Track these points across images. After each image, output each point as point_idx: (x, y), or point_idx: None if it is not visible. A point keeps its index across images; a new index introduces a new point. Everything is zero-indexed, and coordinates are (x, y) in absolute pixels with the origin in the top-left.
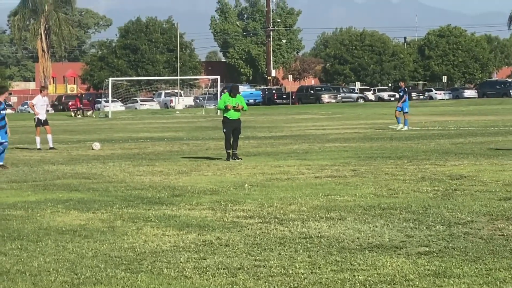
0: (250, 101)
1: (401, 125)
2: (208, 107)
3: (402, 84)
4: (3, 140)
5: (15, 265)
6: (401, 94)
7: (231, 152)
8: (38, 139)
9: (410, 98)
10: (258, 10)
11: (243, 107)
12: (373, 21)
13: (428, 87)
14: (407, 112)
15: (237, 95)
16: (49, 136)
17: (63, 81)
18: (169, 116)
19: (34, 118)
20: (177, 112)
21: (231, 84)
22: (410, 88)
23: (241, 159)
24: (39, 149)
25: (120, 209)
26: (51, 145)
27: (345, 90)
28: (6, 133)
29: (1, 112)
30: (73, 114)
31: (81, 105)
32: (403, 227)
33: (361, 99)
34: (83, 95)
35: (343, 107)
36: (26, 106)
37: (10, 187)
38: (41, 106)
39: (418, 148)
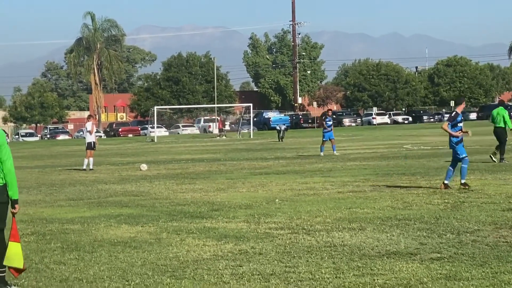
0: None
1: (322, 153)
2: (243, 131)
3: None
4: (463, 155)
5: (73, 273)
6: (329, 122)
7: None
8: (86, 161)
9: (421, 121)
10: (285, 44)
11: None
12: (388, 53)
13: (437, 111)
14: (325, 140)
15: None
16: (91, 160)
17: (113, 110)
18: (207, 140)
19: (86, 143)
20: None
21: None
22: (421, 112)
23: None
24: (84, 169)
25: (165, 223)
26: (91, 166)
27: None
28: (463, 146)
29: (459, 125)
30: (217, 136)
31: (223, 127)
32: (417, 235)
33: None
34: (225, 118)
35: (362, 129)
36: (81, 133)
37: (68, 204)
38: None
39: (429, 165)
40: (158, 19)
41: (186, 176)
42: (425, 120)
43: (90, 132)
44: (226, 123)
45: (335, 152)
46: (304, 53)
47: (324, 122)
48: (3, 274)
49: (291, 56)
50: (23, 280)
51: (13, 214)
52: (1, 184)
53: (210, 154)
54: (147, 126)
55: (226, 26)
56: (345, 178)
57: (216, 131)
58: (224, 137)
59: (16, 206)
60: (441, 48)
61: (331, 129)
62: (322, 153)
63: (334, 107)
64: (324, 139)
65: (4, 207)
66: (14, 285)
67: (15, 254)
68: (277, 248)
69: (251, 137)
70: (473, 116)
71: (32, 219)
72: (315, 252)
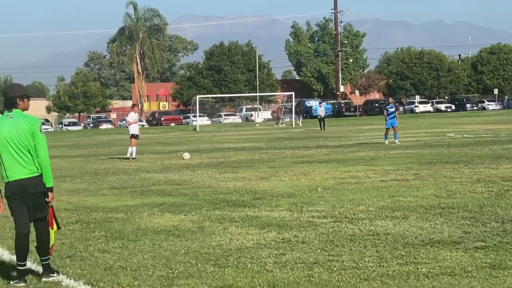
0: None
1: (387, 141)
2: (285, 120)
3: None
4: None
5: (117, 261)
6: (391, 109)
7: None
8: (130, 149)
9: (464, 109)
10: (327, 33)
11: None
12: (429, 41)
13: (481, 99)
14: (388, 128)
15: None
16: (134, 148)
17: (156, 99)
18: (249, 129)
19: (130, 133)
20: (257, 125)
21: None
22: (464, 100)
23: None
24: (127, 158)
25: (208, 211)
26: (134, 155)
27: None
28: None
29: None
30: (275, 124)
31: (282, 115)
32: (461, 224)
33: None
34: (283, 107)
35: (405, 118)
36: (124, 122)
37: (111, 193)
38: (133, 120)
39: (473, 153)
40: (200, 8)
41: (228, 164)
42: (468, 108)
43: (134, 122)
44: (285, 110)
45: (396, 140)
46: (346, 42)
47: (385, 110)
48: (47, 262)
49: (333, 44)
50: (68, 268)
51: (48, 203)
52: (38, 174)
53: (252, 143)
54: (189, 115)
55: (268, 15)
56: (387, 166)
57: (258, 120)
58: (283, 125)
59: (50, 194)
60: (485, 36)
61: (394, 116)
62: (386, 141)
63: (377, 96)
64: (386, 127)
65: (42, 196)
66: (60, 273)
67: None
68: (320, 236)
69: (300, 124)
70: None
71: (76, 207)
72: (358, 241)
